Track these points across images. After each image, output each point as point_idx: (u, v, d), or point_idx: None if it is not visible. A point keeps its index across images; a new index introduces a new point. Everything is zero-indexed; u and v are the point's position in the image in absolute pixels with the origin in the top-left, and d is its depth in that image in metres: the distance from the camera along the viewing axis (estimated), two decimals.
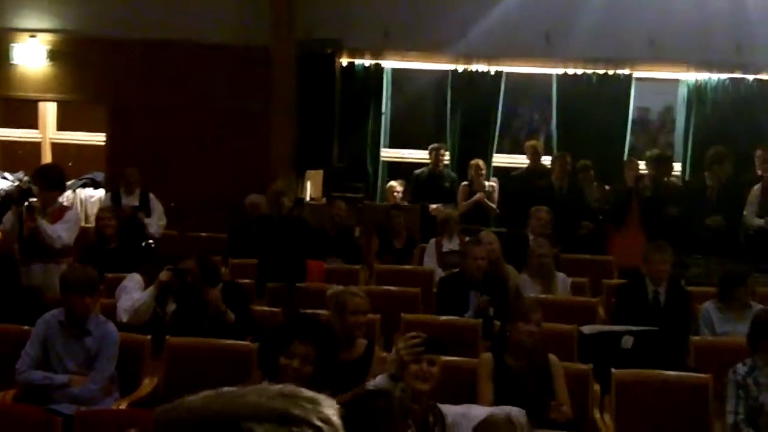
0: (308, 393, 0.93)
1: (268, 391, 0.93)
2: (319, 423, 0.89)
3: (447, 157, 11.77)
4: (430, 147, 11.53)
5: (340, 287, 5.84)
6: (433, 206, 10.71)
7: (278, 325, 4.72)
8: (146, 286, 6.59)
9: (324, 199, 11.40)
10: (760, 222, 9.60)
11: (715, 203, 9.71)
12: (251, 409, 0.88)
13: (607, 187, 10.48)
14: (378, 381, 4.31)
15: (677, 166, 11.66)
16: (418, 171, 11.58)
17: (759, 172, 9.94)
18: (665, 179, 10.31)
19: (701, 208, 9.64)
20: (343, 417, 0.93)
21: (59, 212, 7.48)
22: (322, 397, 0.94)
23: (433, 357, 4.58)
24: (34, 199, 7.10)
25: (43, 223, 7.13)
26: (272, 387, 0.94)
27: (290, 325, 4.45)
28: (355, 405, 3.58)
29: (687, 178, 11.49)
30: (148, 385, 5.90)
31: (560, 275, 7.81)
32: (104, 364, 5.61)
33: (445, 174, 11.39)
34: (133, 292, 6.58)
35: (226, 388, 0.94)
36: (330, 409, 0.92)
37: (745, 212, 9.65)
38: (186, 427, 0.86)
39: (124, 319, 6.36)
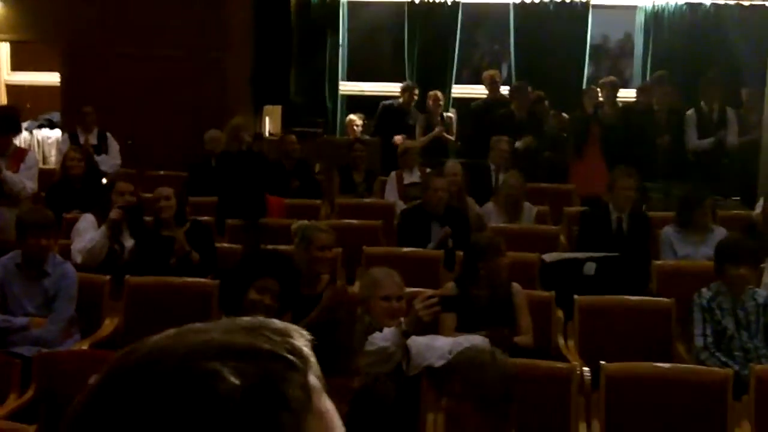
0: (277, 324, 0.87)
1: (233, 325, 0.85)
2: (289, 356, 0.83)
3: (416, 96, 11.54)
4: (404, 84, 11.37)
5: (305, 222, 5.80)
6: (397, 137, 10.63)
7: (240, 261, 4.65)
8: (99, 225, 6.50)
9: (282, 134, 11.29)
10: (700, 143, 9.70)
11: (664, 127, 9.80)
12: (215, 347, 0.81)
13: (565, 115, 10.46)
14: (388, 334, 4.28)
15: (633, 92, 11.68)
16: (386, 103, 11.41)
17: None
18: (620, 105, 10.39)
19: (651, 132, 9.73)
20: (314, 348, 0.88)
21: (17, 155, 7.31)
22: (292, 328, 0.87)
23: (401, 294, 4.58)
24: None
25: (8, 174, 6.96)
26: (238, 321, 0.87)
27: (258, 261, 4.40)
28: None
29: None
30: (108, 325, 5.84)
31: (527, 205, 7.82)
32: (63, 306, 5.54)
33: (412, 111, 11.23)
34: (86, 233, 6.48)
35: (188, 326, 0.86)
36: (301, 339, 0.86)
37: (686, 137, 9.75)
38: (145, 371, 0.80)
39: (78, 260, 6.27)
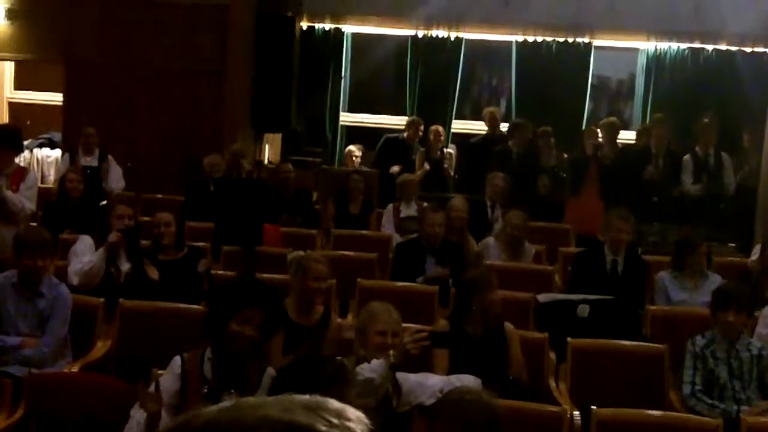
0: (335, 405, 0.87)
1: (290, 403, 0.85)
2: None
3: (421, 131, 11.51)
4: (410, 119, 11.40)
5: (302, 252, 5.81)
6: (394, 168, 10.65)
7: (226, 290, 4.62)
8: (97, 247, 6.50)
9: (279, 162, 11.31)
10: (695, 189, 9.73)
11: (661, 170, 9.85)
12: (271, 425, 0.81)
13: (565, 155, 10.51)
14: (375, 366, 4.28)
15: (632, 134, 11.74)
16: (391, 136, 11.44)
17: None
18: (619, 146, 10.45)
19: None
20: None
21: (18, 173, 7.32)
22: (348, 410, 0.88)
23: (397, 330, 4.58)
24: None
25: (9, 194, 6.97)
26: (296, 398, 0.86)
27: (240, 291, 4.39)
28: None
29: None
30: (101, 348, 5.82)
31: (527, 245, 7.83)
32: (57, 327, 5.53)
33: (415, 147, 11.24)
34: (84, 255, 6.48)
35: (244, 399, 0.86)
36: (357, 423, 0.87)
37: (682, 182, 9.79)
38: None
39: (75, 282, 6.26)
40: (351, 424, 0.85)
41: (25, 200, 7.11)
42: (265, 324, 4.18)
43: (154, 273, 6.25)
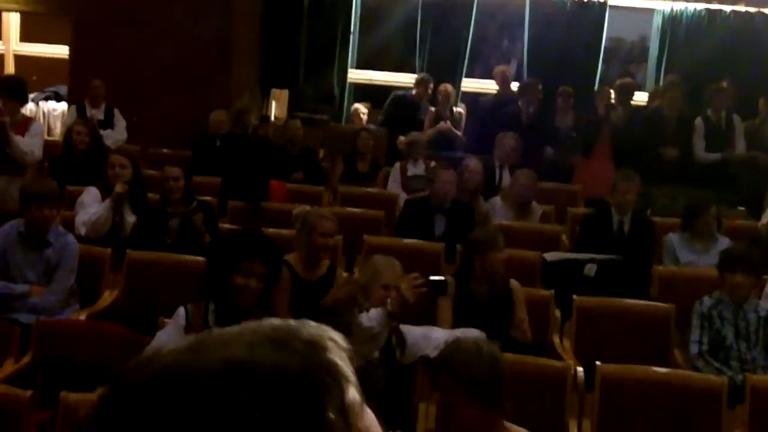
0: (309, 331, 0.78)
1: (258, 335, 0.77)
2: (323, 377, 0.76)
3: (430, 89, 11.48)
4: (419, 77, 11.26)
5: (307, 207, 5.79)
6: (401, 138, 10.61)
7: (223, 244, 4.62)
8: (103, 198, 6.51)
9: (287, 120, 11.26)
10: (710, 157, 9.67)
11: (673, 133, 9.79)
12: (235, 370, 0.73)
13: (577, 117, 10.44)
14: (373, 315, 4.28)
15: (645, 96, 11.66)
16: (399, 93, 11.35)
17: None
18: (633, 108, 10.36)
19: (660, 137, 9.72)
20: None
21: (23, 124, 7.34)
22: (326, 336, 0.79)
23: (400, 284, 4.57)
24: (2, 115, 6.95)
25: (15, 138, 6.99)
26: (265, 327, 0.78)
27: (241, 243, 4.39)
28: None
29: None
30: (107, 297, 5.87)
31: (534, 205, 7.81)
32: (64, 276, 5.57)
33: (423, 106, 11.16)
34: (91, 206, 6.50)
35: (207, 336, 0.78)
36: (336, 349, 0.78)
37: (694, 147, 9.73)
38: (155, 395, 0.73)
39: (82, 232, 6.29)
40: (327, 354, 0.77)
41: (32, 146, 7.13)
42: (267, 275, 4.20)
43: (201, 225, 6.25)
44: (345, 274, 5.88)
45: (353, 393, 0.77)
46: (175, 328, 4.20)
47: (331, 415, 0.74)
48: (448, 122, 10.71)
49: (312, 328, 0.79)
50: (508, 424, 3.25)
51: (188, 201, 6.53)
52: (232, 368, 0.74)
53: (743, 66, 11.36)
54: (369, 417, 0.80)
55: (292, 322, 0.80)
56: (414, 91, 11.17)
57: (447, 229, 7.07)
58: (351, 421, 0.76)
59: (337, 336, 0.80)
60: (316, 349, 0.77)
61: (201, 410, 0.71)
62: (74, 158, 8.01)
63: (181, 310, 4.27)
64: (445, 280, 4.94)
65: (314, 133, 10.43)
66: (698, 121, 9.84)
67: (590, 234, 6.96)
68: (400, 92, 11.36)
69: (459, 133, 10.97)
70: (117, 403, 0.75)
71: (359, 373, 2.55)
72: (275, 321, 0.80)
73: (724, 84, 10.24)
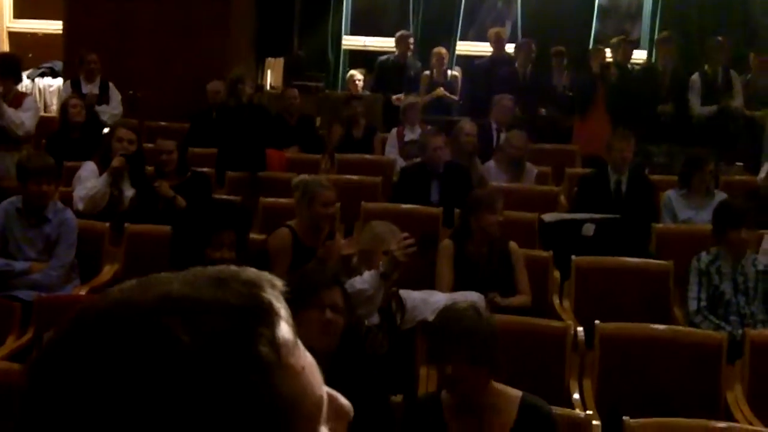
0: (248, 274, 0.81)
1: (199, 276, 0.80)
2: (256, 310, 0.78)
3: (413, 45, 11.60)
4: (398, 34, 11.30)
5: (307, 177, 5.78)
6: (395, 97, 10.62)
7: (192, 216, 4.56)
8: (100, 173, 6.51)
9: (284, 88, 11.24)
10: (706, 111, 9.67)
11: (668, 88, 9.77)
12: (173, 301, 0.77)
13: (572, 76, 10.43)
14: (366, 277, 4.29)
15: (643, 54, 11.62)
16: (383, 58, 11.38)
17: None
18: (629, 65, 10.34)
19: (655, 94, 9.71)
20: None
21: (17, 99, 7.34)
22: (264, 278, 0.81)
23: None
24: None
25: (7, 110, 6.99)
26: (207, 271, 0.81)
27: (212, 216, 4.36)
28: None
29: None
30: (108, 271, 5.88)
31: (528, 165, 7.80)
32: (63, 251, 5.58)
33: (410, 62, 11.23)
34: (88, 180, 6.50)
35: (154, 276, 0.81)
36: (271, 290, 0.81)
37: (690, 102, 9.72)
38: (100, 327, 0.76)
39: (80, 207, 6.30)
40: (261, 292, 0.79)
41: (24, 118, 7.13)
42: (237, 242, 4.19)
43: (168, 191, 6.25)
44: (343, 241, 5.90)
45: (286, 330, 0.79)
46: None
47: (263, 348, 0.76)
48: (441, 89, 10.69)
49: (252, 271, 0.82)
50: (501, 386, 3.28)
51: (183, 172, 6.53)
52: (168, 299, 0.77)
53: (735, 21, 11.31)
54: (306, 358, 0.81)
55: (236, 267, 0.83)
56: (396, 51, 11.18)
57: (442, 194, 7.07)
58: (282, 356, 0.78)
59: (276, 279, 0.83)
60: (251, 287, 0.80)
61: (136, 340, 0.75)
62: (70, 133, 8.00)
63: None
64: (431, 234, 4.93)
65: (309, 100, 10.41)
66: (695, 77, 9.83)
67: (588, 194, 6.97)
68: (383, 57, 11.38)
69: (455, 96, 10.95)
70: (65, 341, 0.78)
71: (360, 337, 2.56)
72: (222, 267, 0.83)
73: (719, 39, 10.21)
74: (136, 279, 0.82)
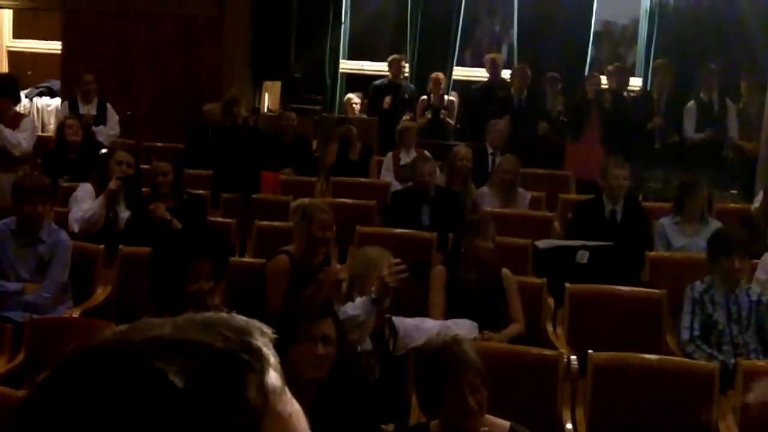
0: (237, 321, 0.82)
1: (189, 322, 0.82)
2: (245, 356, 0.79)
3: (407, 68, 11.69)
4: (391, 58, 11.40)
5: (306, 200, 5.78)
6: (387, 99, 10.69)
7: (168, 251, 4.35)
8: (97, 194, 6.51)
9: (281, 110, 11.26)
10: (697, 137, 9.70)
11: (663, 116, 9.83)
12: (163, 345, 0.78)
13: (566, 101, 10.46)
14: (358, 303, 4.29)
15: (638, 81, 11.67)
16: (377, 82, 11.46)
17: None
18: (623, 92, 10.38)
19: (649, 121, 9.77)
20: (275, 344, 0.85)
21: (15, 120, 7.36)
22: (253, 325, 0.83)
23: None
24: None
25: (4, 130, 7.01)
26: (197, 317, 0.83)
27: (186, 246, 4.19)
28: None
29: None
30: (101, 293, 5.86)
31: (521, 191, 7.81)
32: (57, 272, 5.56)
33: (404, 85, 11.30)
34: (84, 202, 6.50)
35: (143, 321, 0.83)
36: (261, 337, 0.82)
37: (683, 128, 9.76)
38: (90, 369, 0.78)
39: (76, 229, 6.29)
40: (251, 339, 0.81)
41: (21, 138, 7.14)
42: (213, 271, 4.07)
43: (164, 213, 6.24)
44: (338, 266, 5.89)
45: (275, 377, 0.81)
46: None
47: (252, 393, 0.78)
48: (427, 113, 10.75)
49: (241, 318, 0.84)
50: (490, 417, 3.28)
51: (178, 194, 6.54)
52: (161, 342, 0.78)
53: (729, 47, 11.36)
54: (293, 405, 0.83)
55: (225, 314, 0.85)
56: (389, 74, 11.26)
57: (433, 218, 7.08)
58: (270, 402, 0.79)
59: (264, 326, 0.84)
60: (241, 333, 0.81)
61: (127, 381, 0.76)
62: (67, 153, 8.01)
63: None
64: (423, 262, 4.93)
65: (307, 123, 10.44)
66: (690, 104, 9.87)
67: (582, 221, 6.97)
68: (377, 81, 11.47)
69: (452, 121, 11.00)
70: (53, 382, 0.79)
71: (352, 363, 2.55)
72: (212, 313, 0.84)
73: (712, 65, 10.27)
74: (125, 325, 0.83)
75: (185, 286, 3.91)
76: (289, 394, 0.83)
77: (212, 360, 0.78)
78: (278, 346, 0.83)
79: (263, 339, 0.83)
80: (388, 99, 10.70)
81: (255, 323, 0.84)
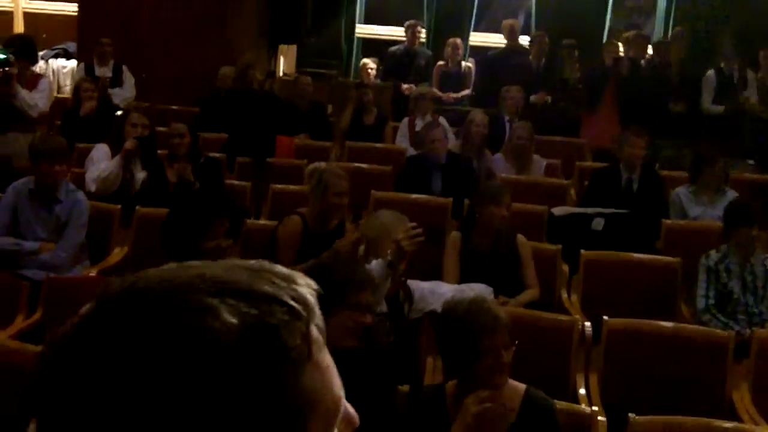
0: (282, 269, 0.83)
1: (235, 264, 0.82)
2: (291, 302, 0.79)
3: (423, 34, 11.63)
4: (407, 24, 11.33)
5: (322, 164, 5.78)
6: (405, 86, 10.63)
7: (189, 208, 4.46)
8: (113, 155, 6.53)
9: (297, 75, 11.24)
10: (716, 109, 9.64)
11: (679, 85, 9.75)
12: (215, 283, 0.77)
13: (583, 69, 10.38)
14: (374, 266, 4.29)
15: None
16: (393, 48, 11.41)
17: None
18: (641, 61, 10.31)
19: (665, 89, 9.69)
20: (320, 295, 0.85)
21: (32, 81, 7.37)
22: (297, 275, 0.83)
23: None
24: (12, 67, 6.94)
25: (21, 91, 7.02)
26: (240, 261, 0.83)
27: (206, 205, 4.30)
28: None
29: None
30: (117, 253, 5.91)
31: (536, 157, 7.78)
32: (74, 232, 5.59)
33: (420, 52, 11.25)
34: (101, 162, 6.53)
35: (189, 262, 0.83)
36: (305, 288, 0.82)
37: (701, 98, 9.69)
38: (138, 301, 0.77)
39: (92, 188, 6.33)
40: (297, 287, 0.81)
41: (38, 99, 7.15)
42: (230, 230, 4.16)
43: (189, 175, 6.28)
44: (351, 226, 5.92)
45: (317, 328, 0.81)
46: None
47: (297, 341, 0.78)
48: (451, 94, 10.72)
49: (284, 268, 0.84)
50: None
51: (195, 156, 6.55)
52: (207, 280, 0.78)
53: (746, 18, 11.24)
54: (328, 357, 0.83)
55: (268, 263, 0.85)
56: (405, 40, 11.22)
57: (444, 185, 7.07)
58: (313, 352, 0.79)
59: (309, 279, 0.85)
60: (289, 281, 0.82)
61: (174, 315, 0.75)
62: (83, 116, 8.02)
63: None
64: (439, 226, 4.93)
65: (322, 88, 10.41)
66: (710, 73, 9.79)
67: (599, 189, 6.95)
68: (393, 48, 11.42)
69: (467, 91, 10.97)
70: (100, 312, 0.78)
71: (368, 326, 2.54)
72: (256, 260, 0.84)
73: (731, 35, 10.19)
74: (173, 263, 0.83)
75: (203, 242, 4.00)
76: (325, 348, 0.83)
77: (262, 303, 0.78)
78: (322, 306, 0.84)
79: (308, 289, 0.83)
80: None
81: (299, 274, 0.84)
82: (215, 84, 9.45)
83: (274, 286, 0.80)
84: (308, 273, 0.86)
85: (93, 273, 5.52)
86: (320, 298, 0.84)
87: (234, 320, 0.75)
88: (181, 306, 0.76)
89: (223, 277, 0.79)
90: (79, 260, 5.66)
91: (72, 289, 4.89)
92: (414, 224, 4.38)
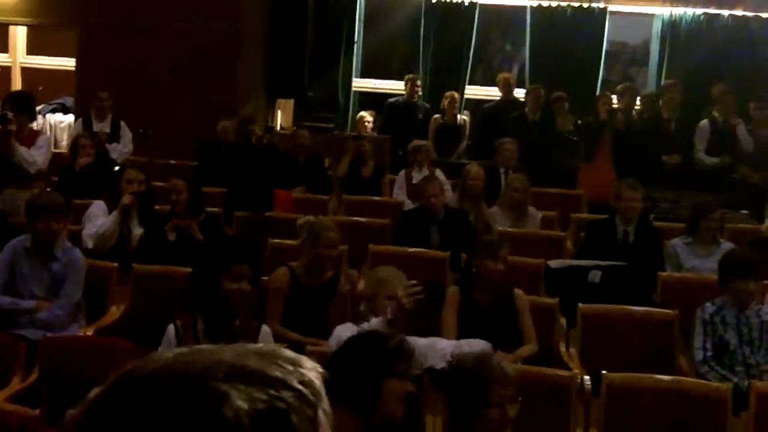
0: (289, 353, 0.86)
1: (245, 349, 0.85)
2: (299, 386, 0.82)
3: (419, 86, 11.73)
4: (406, 77, 11.45)
5: (312, 218, 5.83)
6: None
7: (213, 252, 4.68)
8: (110, 211, 6.55)
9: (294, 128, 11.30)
10: (712, 161, 9.68)
11: (673, 137, 9.80)
12: (223, 369, 0.80)
13: (579, 121, 10.45)
14: (374, 324, 4.30)
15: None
16: (392, 100, 11.51)
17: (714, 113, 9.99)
18: (633, 112, 10.39)
19: (659, 141, 9.74)
20: (326, 380, 0.87)
21: (31, 137, 7.40)
22: (304, 359, 0.86)
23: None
24: (10, 124, 6.98)
25: (20, 148, 7.04)
26: (250, 346, 0.86)
27: (231, 249, 4.50)
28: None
29: None
30: (114, 312, 5.87)
31: (531, 210, 7.80)
32: (70, 290, 5.57)
33: (419, 105, 11.33)
34: (98, 219, 6.54)
35: (199, 346, 0.86)
36: (312, 371, 0.85)
37: (694, 149, 9.74)
38: (152, 386, 0.80)
39: (90, 245, 6.33)
40: (305, 372, 0.84)
41: (36, 156, 7.18)
42: (253, 277, 4.29)
43: (199, 234, 6.31)
44: (353, 272, 5.97)
45: (325, 410, 0.84)
46: (167, 348, 4.21)
47: (304, 424, 0.81)
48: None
49: (291, 351, 0.87)
50: None
51: (196, 212, 6.55)
52: (219, 366, 0.81)
53: (741, 69, 11.35)
54: None
55: (274, 345, 0.89)
56: (405, 93, 11.33)
57: (441, 239, 7.08)
58: None
59: (316, 364, 0.88)
60: (295, 365, 0.84)
61: (187, 400, 0.78)
62: (80, 171, 8.05)
63: (170, 328, 4.32)
64: (439, 282, 4.94)
65: (320, 141, 10.46)
66: (704, 123, 9.84)
67: (595, 241, 6.95)
68: (392, 99, 11.53)
69: (463, 144, 11.03)
70: (114, 397, 0.81)
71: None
72: (261, 345, 0.88)
73: (723, 85, 10.25)
74: (183, 348, 0.86)
75: (224, 285, 4.16)
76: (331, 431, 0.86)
77: (270, 387, 0.81)
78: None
79: (315, 373, 0.86)
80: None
81: (305, 358, 0.87)
82: (216, 138, 9.49)
83: (283, 371, 0.82)
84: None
85: (90, 332, 5.48)
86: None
87: (245, 406, 0.78)
88: (195, 392, 0.79)
89: (235, 363, 0.82)
90: (76, 319, 5.62)
91: (69, 348, 4.86)
92: (414, 282, 4.40)
